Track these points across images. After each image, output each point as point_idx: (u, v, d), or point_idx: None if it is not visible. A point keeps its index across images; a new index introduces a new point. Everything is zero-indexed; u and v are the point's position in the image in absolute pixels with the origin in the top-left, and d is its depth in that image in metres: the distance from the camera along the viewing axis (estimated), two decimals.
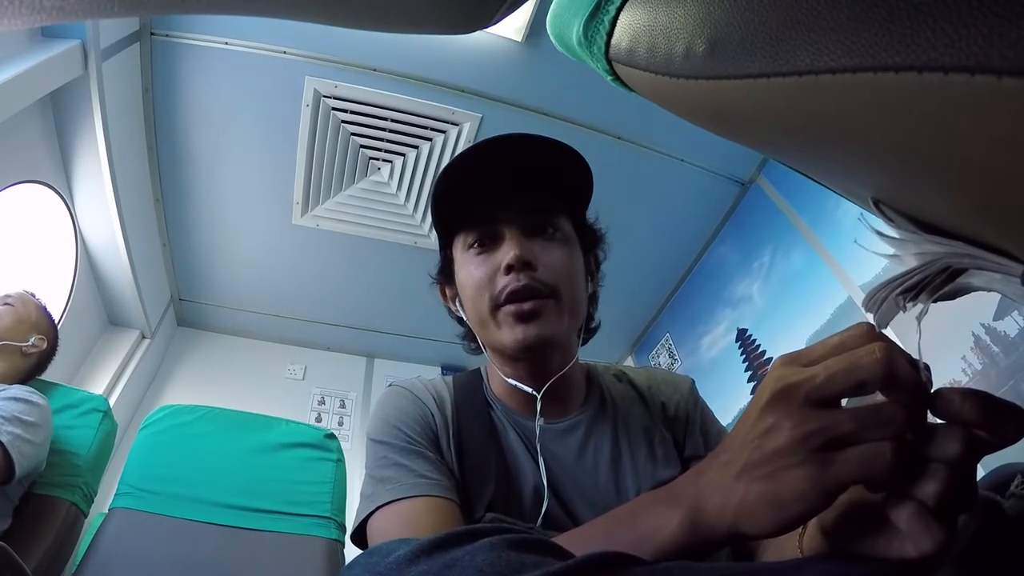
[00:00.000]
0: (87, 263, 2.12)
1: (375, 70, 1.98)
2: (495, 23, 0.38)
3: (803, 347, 0.36)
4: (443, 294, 0.81)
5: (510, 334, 0.67)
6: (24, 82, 1.40)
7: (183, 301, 2.71)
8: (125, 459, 1.50)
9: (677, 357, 2.67)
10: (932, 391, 0.32)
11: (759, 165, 2.30)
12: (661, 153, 2.25)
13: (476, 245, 0.72)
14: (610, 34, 0.33)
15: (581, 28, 0.35)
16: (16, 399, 1.29)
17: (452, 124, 2.11)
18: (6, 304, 1.46)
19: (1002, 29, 0.15)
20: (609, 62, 0.35)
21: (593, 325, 0.80)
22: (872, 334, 0.34)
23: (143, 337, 2.44)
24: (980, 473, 0.38)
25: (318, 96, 2.01)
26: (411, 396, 0.74)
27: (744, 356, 2.22)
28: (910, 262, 0.30)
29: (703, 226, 2.53)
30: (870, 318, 0.34)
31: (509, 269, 0.68)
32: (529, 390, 0.71)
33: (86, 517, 1.45)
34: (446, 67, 1.99)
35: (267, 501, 1.48)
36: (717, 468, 0.39)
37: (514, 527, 0.41)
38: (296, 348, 2.92)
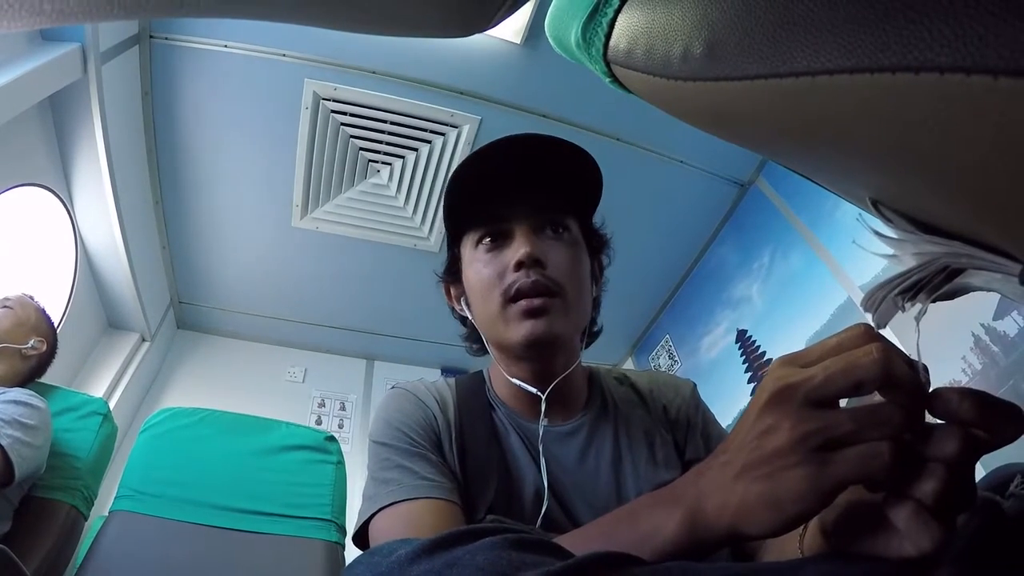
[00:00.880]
0: (87, 266, 2.11)
1: (374, 72, 1.98)
2: (494, 26, 0.38)
3: (802, 348, 0.36)
4: (448, 293, 0.81)
5: (519, 330, 0.67)
6: (24, 85, 1.40)
7: (183, 304, 2.71)
8: (125, 462, 1.50)
9: (677, 358, 2.67)
10: (930, 391, 0.32)
11: (758, 166, 2.30)
12: (660, 155, 2.25)
13: (486, 243, 0.72)
14: (608, 36, 0.33)
15: (579, 30, 0.36)
16: (16, 402, 1.28)
17: (451, 126, 2.11)
18: (5, 307, 1.46)
19: (998, 29, 0.15)
20: (607, 64, 0.35)
21: (595, 329, 0.81)
22: (870, 335, 0.34)
23: (143, 340, 2.44)
24: (980, 473, 0.38)
25: (317, 99, 2.01)
26: (414, 398, 0.74)
27: (744, 357, 2.22)
28: (908, 262, 0.30)
29: (702, 227, 2.54)
30: (869, 318, 0.34)
31: (519, 266, 0.68)
32: (533, 390, 0.71)
33: (86, 520, 1.45)
34: (445, 69, 1.99)
35: (267, 504, 1.48)
36: (717, 468, 0.39)
37: (514, 528, 0.41)
38: (296, 351, 2.92)
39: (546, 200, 0.72)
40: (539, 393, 0.70)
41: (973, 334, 1.43)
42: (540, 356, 0.70)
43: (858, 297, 1.76)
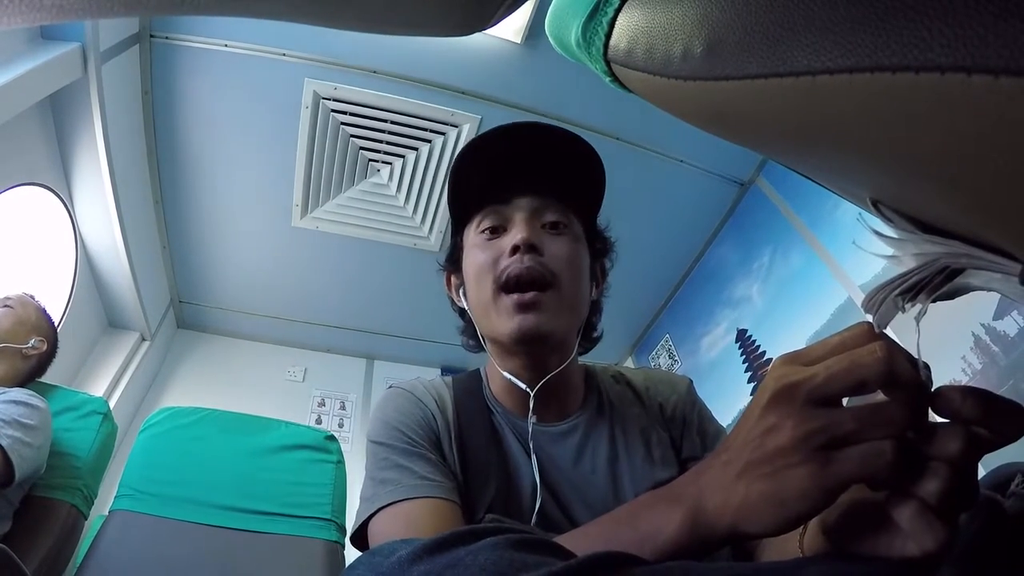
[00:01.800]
0: (87, 265, 2.11)
1: (374, 72, 1.98)
2: (494, 25, 0.38)
3: (803, 347, 0.36)
4: (448, 283, 0.81)
5: (508, 323, 0.67)
6: (24, 84, 1.40)
7: (183, 303, 2.71)
8: (125, 461, 1.50)
9: (677, 358, 2.67)
10: (932, 390, 0.32)
11: (758, 166, 2.30)
12: (660, 154, 2.25)
13: (487, 231, 0.72)
14: (608, 35, 0.33)
15: (580, 29, 0.36)
16: (16, 402, 1.28)
17: (451, 126, 2.11)
18: (5, 306, 1.46)
19: (998, 28, 0.15)
20: (607, 63, 0.35)
21: (595, 335, 0.80)
22: (872, 333, 0.34)
23: (143, 339, 2.44)
24: (980, 472, 0.38)
25: (317, 98, 2.01)
26: (412, 398, 0.74)
27: (744, 357, 2.22)
28: (908, 262, 0.30)
29: (702, 227, 2.54)
30: (869, 319, 0.34)
31: (515, 250, 0.68)
32: (523, 386, 0.70)
33: (86, 519, 1.45)
34: (445, 69, 1.99)
35: (267, 503, 1.48)
36: (718, 467, 0.39)
37: (515, 528, 0.41)
38: (296, 350, 2.92)
39: (548, 190, 0.72)
40: (527, 390, 0.70)
41: (973, 334, 1.42)
42: (531, 351, 0.70)
43: (858, 297, 1.76)
